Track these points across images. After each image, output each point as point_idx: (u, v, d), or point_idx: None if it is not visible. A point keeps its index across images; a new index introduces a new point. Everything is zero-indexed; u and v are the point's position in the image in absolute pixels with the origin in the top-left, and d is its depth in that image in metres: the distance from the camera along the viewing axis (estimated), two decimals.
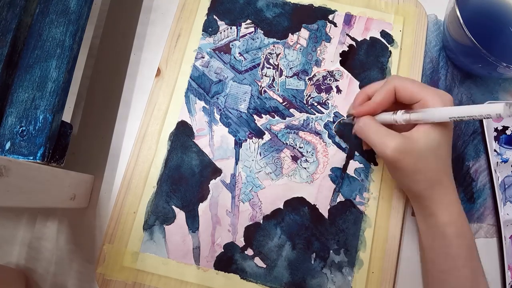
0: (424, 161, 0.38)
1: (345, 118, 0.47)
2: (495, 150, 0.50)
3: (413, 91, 0.39)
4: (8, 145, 0.41)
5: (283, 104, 0.50)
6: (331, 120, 0.49)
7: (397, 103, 0.41)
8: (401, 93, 0.40)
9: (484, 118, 0.33)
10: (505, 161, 0.50)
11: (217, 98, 0.51)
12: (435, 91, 0.39)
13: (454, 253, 0.39)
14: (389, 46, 0.52)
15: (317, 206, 0.47)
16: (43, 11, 0.45)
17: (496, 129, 0.51)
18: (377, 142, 0.40)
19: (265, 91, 0.51)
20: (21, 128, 0.41)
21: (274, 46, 0.52)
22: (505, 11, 0.50)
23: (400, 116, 0.40)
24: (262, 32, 0.53)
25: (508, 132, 0.51)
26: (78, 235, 0.49)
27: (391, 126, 0.41)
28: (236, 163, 0.48)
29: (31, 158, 0.41)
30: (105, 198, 0.49)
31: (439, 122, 0.38)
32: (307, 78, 0.51)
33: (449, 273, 0.40)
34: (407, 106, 0.40)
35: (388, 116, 0.41)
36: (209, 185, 0.48)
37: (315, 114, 0.50)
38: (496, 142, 0.51)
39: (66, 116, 0.49)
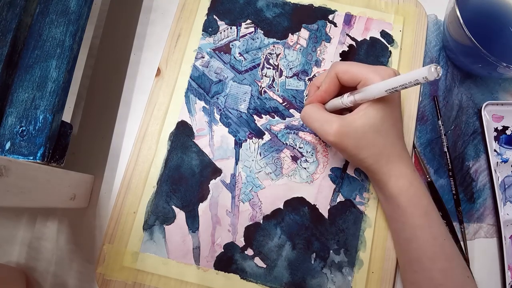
0: (364, 139, 0.40)
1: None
2: (495, 150, 0.50)
3: (353, 72, 0.40)
4: (8, 145, 0.41)
5: (283, 104, 0.50)
6: None
7: (347, 88, 0.42)
8: (342, 77, 0.41)
9: (415, 84, 0.33)
10: (505, 161, 0.50)
11: (217, 98, 0.51)
12: (374, 68, 0.40)
13: (411, 222, 0.41)
14: (389, 46, 0.52)
15: (317, 206, 0.47)
16: (43, 11, 0.45)
17: (496, 129, 0.51)
18: (318, 129, 0.41)
19: (265, 91, 0.51)
20: (21, 128, 0.41)
21: (274, 46, 0.52)
22: (505, 11, 0.50)
23: (346, 99, 0.41)
24: (262, 32, 0.53)
25: (508, 132, 0.51)
26: (78, 235, 0.49)
27: (345, 110, 0.43)
28: (236, 163, 0.48)
29: (31, 158, 0.41)
30: (105, 198, 0.49)
31: (379, 99, 0.39)
32: (307, 78, 0.51)
33: (411, 241, 0.41)
34: (354, 89, 0.41)
35: (337, 101, 0.43)
36: (209, 185, 0.48)
37: None
38: (496, 142, 0.51)
39: (66, 116, 0.50)
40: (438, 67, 0.30)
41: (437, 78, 0.31)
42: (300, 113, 0.50)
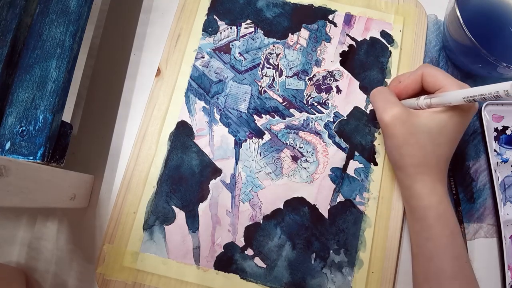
0: (416, 137, 0.39)
1: None
2: (495, 150, 0.50)
3: (437, 78, 0.40)
4: (8, 145, 0.41)
5: (283, 104, 0.50)
6: (331, 120, 0.49)
7: (422, 91, 0.43)
8: (426, 79, 0.42)
9: (494, 97, 0.33)
10: (505, 161, 0.50)
11: (217, 98, 0.51)
12: (458, 82, 0.40)
13: (435, 239, 0.40)
14: (389, 46, 0.52)
15: (317, 206, 0.47)
16: (43, 11, 0.45)
17: (496, 129, 0.51)
18: (380, 106, 0.42)
19: (265, 91, 0.51)
20: (21, 128, 0.41)
21: (274, 46, 0.52)
22: (505, 11, 0.50)
23: (423, 101, 0.41)
24: (262, 32, 0.53)
25: (508, 132, 0.51)
26: (78, 235, 0.49)
27: None
28: (236, 163, 0.48)
29: (31, 158, 0.41)
30: (105, 198, 0.49)
31: (451, 111, 0.39)
32: (307, 78, 0.51)
33: (432, 258, 0.40)
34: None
35: (412, 101, 0.43)
36: (209, 185, 0.48)
37: (315, 114, 0.50)
38: (496, 142, 0.51)
39: (66, 116, 0.49)
40: None
41: None
42: (299, 112, 0.50)
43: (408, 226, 0.44)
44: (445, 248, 0.39)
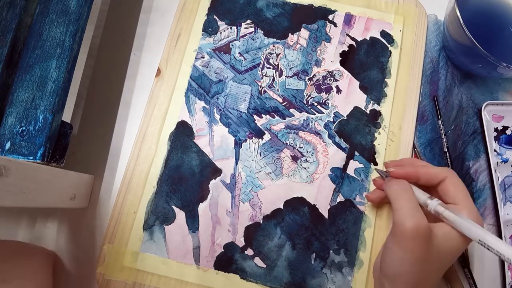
0: (432, 257, 0.36)
1: (379, 168, 0.47)
2: (495, 150, 0.50)
3: (459, 193, 0.38)
4: (8, 145, 0.41)
5: (283, 104, 0.50)
6: (331, 120, 0.49)
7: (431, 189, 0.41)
8: (447, 187, 0.39)
9: (506, 259, 0.32)
10: (505, 161, 0.50)
11: (217, 98, 0.51)
12: (475, 209, 0.37)
13: None
14: (389, 46, 0.52)
15: (317, 206, 0.47)
16: (43, 11, 0.45)
17: (496, 129, 0.51)
18: (405, 209, 0.36)
19: (265, 91, 0.51)
20: (21, 128, 0.41)
21: (274, 46, 0.52)
22: (505, 11, 0.50)
23: (434, 204, 0.38)
24: (262, 32, 0.53)
25: (508, 132, 0.51)
26: (78, 235, 0.49)
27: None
28: (236, 163, 0.48)
29: (31, 158, 0.41)
30: (105, 198, 0.49)
31: (462, 235, 0.36)
32: (307, 78, 0.51)
33: None
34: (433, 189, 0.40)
35: (422, 196, 0.40)
36: (209, 185, 0.48)
37: (315, 114, 0.50)
38: (496, 142, 0.51)
39: (66, 116, 0.49)
40: None
41: None
42: (299, 112, 0.50)
43: None
44: None
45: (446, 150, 0.49)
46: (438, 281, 0.40)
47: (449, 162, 0.49)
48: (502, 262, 0.47)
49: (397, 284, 0.37)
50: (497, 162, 0.50)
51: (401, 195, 0.38)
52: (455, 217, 0.36)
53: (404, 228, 0.35)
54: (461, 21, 0.44)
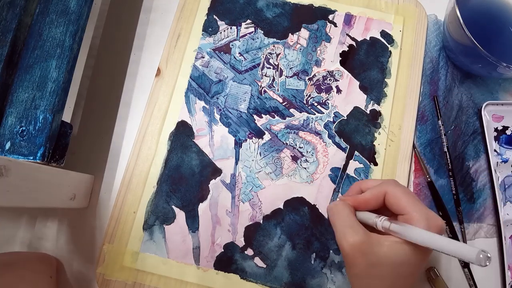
0: (377, 269, 0.35)
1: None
2: (495, 150, 0.50)
3: (401, 202, 0.37)
4: (8, 145, 0.41)
5: (283, 104, 0.50)
6: (331, 120, 0.50)
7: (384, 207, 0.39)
8: (389, 200, 0.38)
9: (459, 258, 0.31)
10: (505, 161, 0.50)
11: (217, 98, 0.51)
12: (425, 211, 0.36)
13: None
14: (389, 46, 0.52)
15: (317, 206, 0.47)
16: (43, 11, 0.45)
17: (496, 129, 0.51)
18: (338, 230, 0.37)
19: (265, 91, 0.51)
20: (21, 128, 0.41)
21: (274, 46, 0.52)
22: (505, 11, 0.50)
23: (380, 222, 0.37)
24: (262, 32, 0.53)
25: (508, 132, 0.51)
26: (78, 235, 0.49)
27: (371, 227, 0.38)
28: (236, 163, 0.48)
29: (31, 158, 0.41)
30: (105, 198, 0.49)
31: (414, 244, 0.35)
32: (307, 78, 0.51)
33: None
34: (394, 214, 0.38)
35: (370, 217, 0.39)
36: (209, 185, 0.48)
37: (315, 114, 0.50)
38: (496, 142, 0.51)
39: (66, 116, 0.49)
40: (488, 254, 0.28)
41: (484, 266, 0.29)
42: (299, 112, 0.50)
43: None
44: None
45: (446, 150, 0.49)
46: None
47: (449, 162, 0.49)
48: (502, 262, 0.47)
49: None
50: (497, 162, 0.50)
51: (334, 217, 0.38)
52: (399, 227, 0.35)
53: (342, 248, 0.36)
54: (461, 21, 0.44)
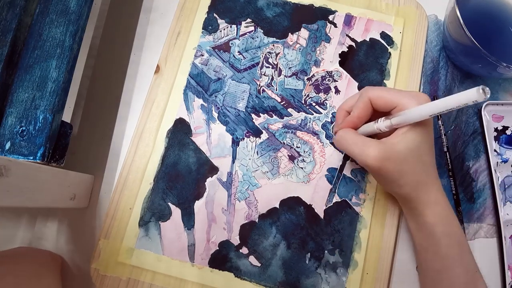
0: (406, 164, 0.38)
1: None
2: (495, 150, 0.50)
3: (388, 98, 0.39)
4: (8, 145, 0.41)
5: (281, 103, 0.50)
6: (329, 120, 0.50)
7: (378, 112, 0.41)
8: (376, 103, 0.40)
9: (462, 106, 0.32)
10: (505, 161, 0.50)
11: (216, 96, 0.51)
12: (409, 93, 0.39)
13: (444, 252, 0.39)
14: (388, 47, 0.51)
15: (313, 206, 0.47)
16: (43, 11, 0.46)
17: (496, 129, 0.50)
18: (357, 152, 0.40)
19: (263, 90, 0.51)
20: (21, 128, 0.42)
21: (273, 45, 0.52)
22: (505, 11, 0.49)
23: (382, 124, 0.40)
24: (262, 31, 0.53)
25: (508, 132, 0.50)
26: (78, 235, 0.49)
27: (376, 135, 0.41)
28: (233, 162, 0.49)
29: (31, 158, 0.41)
30: (105, 198, 0.50)
31: (417, 123, 0.38)
32: (306, 78, 0.51)
33: (442, 272, 0.40)
34: (387, 114, 0.40)
35: (370, 126, 0.41)
36: (205, 183, 0.48)
37: (313, 114, 0.50)
38: (496, 142, 0.50)
39: (66, 116, 0.50)
40: (486, 88, 0.30)
41: (485, 99, 0.30)
42: (297, 112, 0.50)
43: (415, 245, 0.43)
44: (454, 260, 0.39)
45: (446, 150, 0.49)
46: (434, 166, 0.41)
47: (449, 162, 0.49)
48: (502, 262, 0.47)
49: (406, 196, 0.41)
50: (497, 162, 0.50)
51: (345, 145, 0.42)
52: (399, 117, 0.38)
53: (367, 165, 0.39)
54: (461, 21, 0.44)
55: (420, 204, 0.40)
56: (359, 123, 0.43)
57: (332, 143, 0.49)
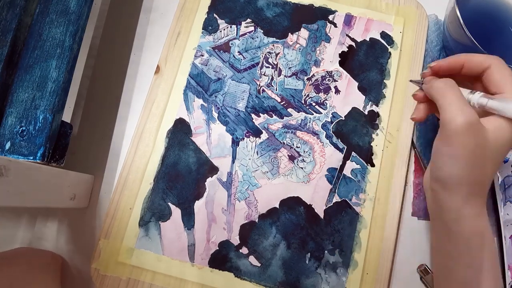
0: (483, 152, 0.34)
1: (414, 79, 0.44)
2: None
3: (507, 80, 0.35)
4: (8, 145, 0.41)
5: (281, 103, 0.50)
6: (329, 120, 0.50)
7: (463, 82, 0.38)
8: (493, 73, 0.36)
9: None
10: (505, 161, 0.50)
11: (216, 97, 0.51)
12: None
13: (477, 266, 0.35)
14: (388, 47, 0.51)
15: (312, 206, 0.47)
16: (43, 11, 0.46)
17: None
18: (454, 105, 0.34)
19: (263, 90, 0.51)
20: (21, 128, 0.42)
21: (273, 45, 0.53)
22: (505, 11, 0.49)
23: (477, 98, 0.35)
24: (262, 31, 0.53)
25: None
26: (78, 235, 0.49)
27: None
28: (233, 162, 0.49)
29: (31, 158, 0.41)
30: (105, 198, 0.50)
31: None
32: (305, 78, 0.51)
33: (470, 284, 0.36)
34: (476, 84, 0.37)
35: (463, 93, 0.36)
36: (205, 183, 0.48)
37: (313, 114, 0.50)
38: None
39: (66, 116, 0.50)
40: None
41: None
42: (297, 112, 0.50)
43: (440, 251, 0.39)
44: (488, 274, 0.35)
45: None
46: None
47: None
48: (502, 262, 0.47)
49: (451, 186, 0.35)
50: None
51: (447, 91, 0.35)
52: (499, 103, 0.34)
53: (456, 125, 0.33)
54: (461, 21, 0.44)
55: (463, 208, 0.35)
56: (459, 70, 0.38)
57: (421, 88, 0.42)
